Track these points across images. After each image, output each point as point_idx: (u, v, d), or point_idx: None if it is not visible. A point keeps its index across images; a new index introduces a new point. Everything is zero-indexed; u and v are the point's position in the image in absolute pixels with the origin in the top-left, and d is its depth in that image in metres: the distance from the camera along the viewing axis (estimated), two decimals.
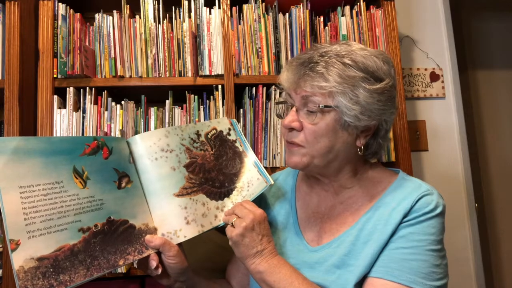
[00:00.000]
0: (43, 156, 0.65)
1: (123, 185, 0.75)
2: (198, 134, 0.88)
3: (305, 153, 0.77)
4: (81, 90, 1.40)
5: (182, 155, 0.83)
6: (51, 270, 0.60)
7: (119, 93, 1.48)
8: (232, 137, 0.93)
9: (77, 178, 0.68)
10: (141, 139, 0.80)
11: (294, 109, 0.77)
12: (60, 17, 1.39)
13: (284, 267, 0.74)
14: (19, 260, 0.58)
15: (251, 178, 0.89)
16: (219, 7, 1.49)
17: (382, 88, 0.74)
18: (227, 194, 0.86)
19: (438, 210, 0.72)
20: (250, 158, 0.92)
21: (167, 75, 1.44)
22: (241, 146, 0.93)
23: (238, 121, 1.48)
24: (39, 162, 0.65)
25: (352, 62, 0.73)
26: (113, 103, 1.42)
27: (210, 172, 0.85)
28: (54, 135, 1.36)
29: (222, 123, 0.94)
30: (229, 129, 0.94)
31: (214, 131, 0.91)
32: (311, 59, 0.75)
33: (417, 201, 0.73)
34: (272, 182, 0.85)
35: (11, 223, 0.58)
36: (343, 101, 0.72)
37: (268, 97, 1.49)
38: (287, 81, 0.79)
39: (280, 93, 1.46)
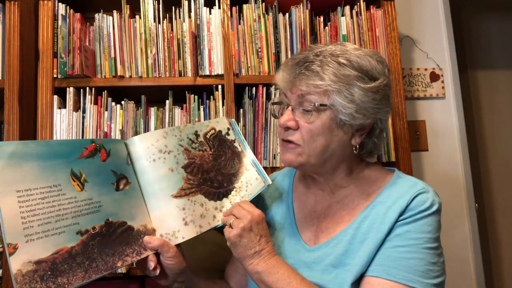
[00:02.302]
0: (41, 160, 0.65)
1: (121, 187, 0.75)
2: (196, 134, 0.88)
3: (301, 152, 0.77)
4: (81, 90, 1.41)
5: (180, 156, 0.82)
6: (49, 273, 0.60)
7: (119, 93, 1.48)
8: (231, 137, 0.93)
9: (74, 181, 0.68)
10: (139, 140, 0.80)
11: (290, 108, 0.78)
12: (60, 17, 1.39)
13: (282, 267, 0.74)
14: (17, 264, 0.57)
15: (249, 178, 0.89)
16: (219, 7, 1.49)
17: (376, 87, 0.75)
18: (226, 194, 0.86)
19: (434, 208, 0.72)
20: (248, 158, 0.92)
21: (167, 75, 1.45)
22: (240, 146, 0.93)
23: (238, 121, 1.48)
24: (36, 165, 0.65)
25: (347, 62, 0.74)
26: (113, 103, 1.42)
27: (208, 173, 0.85)
28: (54, 135, 1.36)
29: (220, 123, 0.93)
30: (228, 129, 0.94)
31: (212, 131, 0.91)
32: (306, 58, 0.76)
33: (412, 199, 0.73)
34: (270, 182, 0.85)
35: (9, 227, 0.58)
36: (339, 100, 0.73)
37: (268, 97, 1.49)
38: (282, 81, 0.80)
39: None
